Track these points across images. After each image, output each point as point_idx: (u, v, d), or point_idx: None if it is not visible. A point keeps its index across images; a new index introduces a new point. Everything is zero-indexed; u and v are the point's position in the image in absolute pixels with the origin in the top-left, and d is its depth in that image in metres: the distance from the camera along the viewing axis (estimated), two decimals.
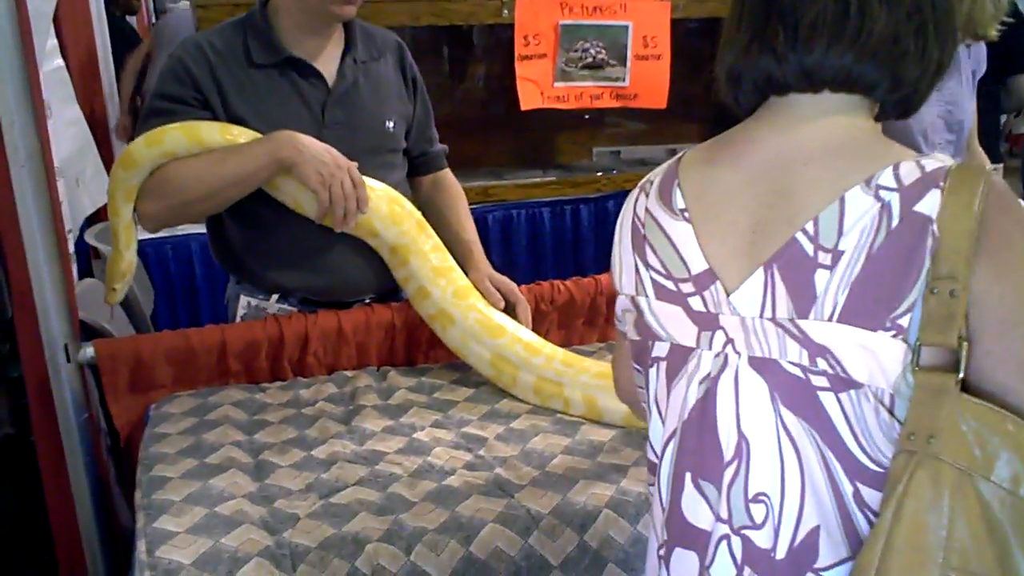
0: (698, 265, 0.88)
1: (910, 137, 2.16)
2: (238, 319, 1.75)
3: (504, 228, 3.33)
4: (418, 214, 1.72)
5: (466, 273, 1.72)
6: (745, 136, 0.91)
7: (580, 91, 3.23)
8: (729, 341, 0.86)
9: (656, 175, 0.97)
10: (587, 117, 3.57)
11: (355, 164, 1.58)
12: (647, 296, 0.93)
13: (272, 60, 1.66)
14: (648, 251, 0.93)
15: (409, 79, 1.82)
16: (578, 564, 1.26)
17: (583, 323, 1.89)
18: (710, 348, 0.87)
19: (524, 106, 3.18)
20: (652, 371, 0.94)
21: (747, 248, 0.86)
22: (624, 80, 3.25)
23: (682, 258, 0.90)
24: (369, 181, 1.61)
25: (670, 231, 0.91)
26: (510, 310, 1.70)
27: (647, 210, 0.94)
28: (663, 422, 0.93)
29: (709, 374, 0.87)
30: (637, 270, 0.94)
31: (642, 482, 1.33)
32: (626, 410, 1.49)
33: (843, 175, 0.82)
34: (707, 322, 0.87)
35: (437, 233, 1.75)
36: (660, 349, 0.93)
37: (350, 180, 1.56)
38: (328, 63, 1.69)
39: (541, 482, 1.35)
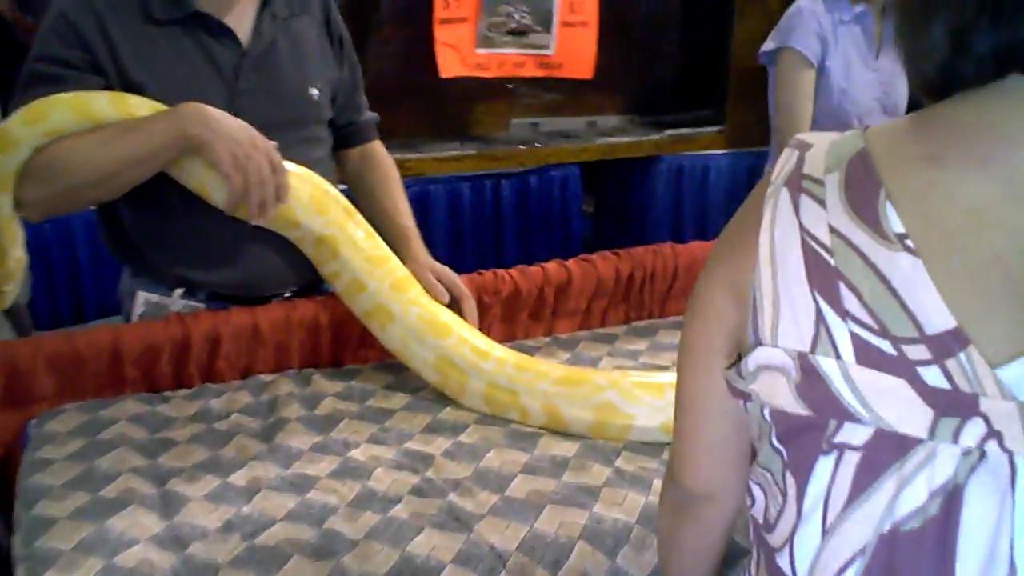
0: (938, 321, 0.62)
1: (845, 120, 2.07)
2: (135, 318, 1.51)
3: (421, 204, 3.12)
4: (344, 200, 1.50)
5: (403, 263, 1.52)
6: (983, 126, 0.65)
7: (503, 59, 3.05)
8: (993, 435, 0.61)
9: (822, 169, 0.69)
10: (509, 87, 3.39)
11: (275, 145, 1.36)
12: (838, 357, 0.66)
13: (174, 15, 1.40)
14: (845, 293, 0.65)
15: (336, 38, 1.59)
16: None
17: (528, 316, 1.71)
18: (955, 441, 0.62)
19: (444, 73, 2.98)
20: (824, 460, 0.68)
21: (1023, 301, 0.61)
22: (549, 48, 3.08)
23: (907, 309, 0.63)
24: (287, 165, 1.39)
25: (884, 267, 0.64)
26: (454, 305, 1.51)
27: (833, 229, 0.66)
28: (828, 531, 0.69)
29: (950, 479, 0.63)
30: (821, 317, 0.66)
31: (618, 506, 1.18)
32: (593, 418, 1.33)
33: None
34: (953, 404, 0.62)
35: (367, 215, 1.54)
36: (852, 434, 0.66)
37: (268, 164, 1.33)
38: (241, 19, 1.45)
39: (502, 510, 1.17)
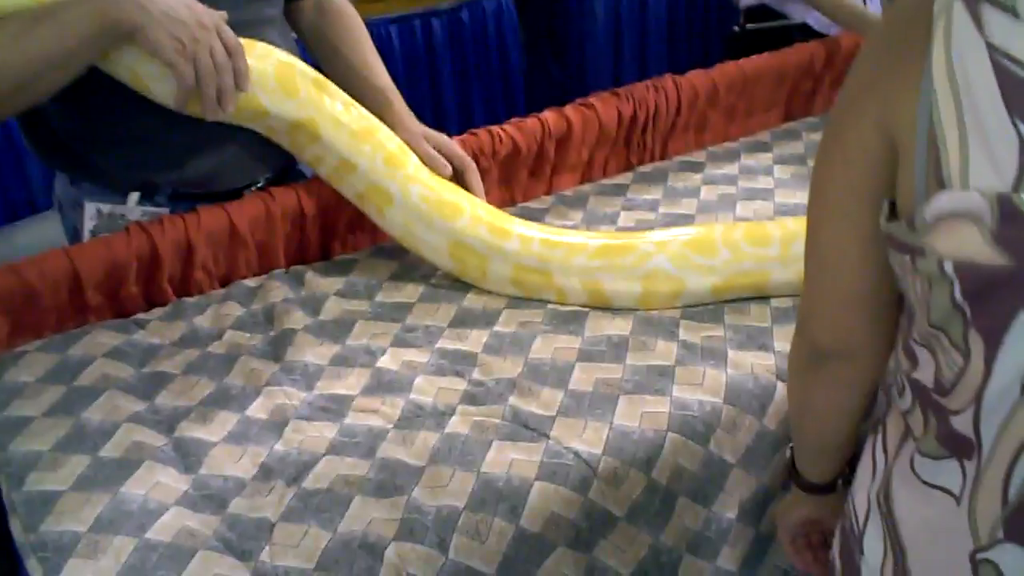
0: None
1: None
2: (86, 234, 1.27)
3: None
4: (311, 70, 1.25)
5: None
6: None
7: None
8: None
9: None
10: None
11: (224, 16, 1.10)
12: None
13: None
14: None
15: None
16: (647, 509, 0.99)
17: (528, 175, 1.53)
18: None
19: None
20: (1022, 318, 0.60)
21: None
22: None
23: None
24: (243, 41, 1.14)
25: None
26: (456, 177, 1.32)
27: None
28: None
29: None
30: None
31: (698, 387, 1.05)
32: (641, 289, 1.19)
33: None
34: None
35: (334, 79, 1.29)
36: None
37: (221, 45, 1.08)
38: None
39: (572, 408, 1.03)
